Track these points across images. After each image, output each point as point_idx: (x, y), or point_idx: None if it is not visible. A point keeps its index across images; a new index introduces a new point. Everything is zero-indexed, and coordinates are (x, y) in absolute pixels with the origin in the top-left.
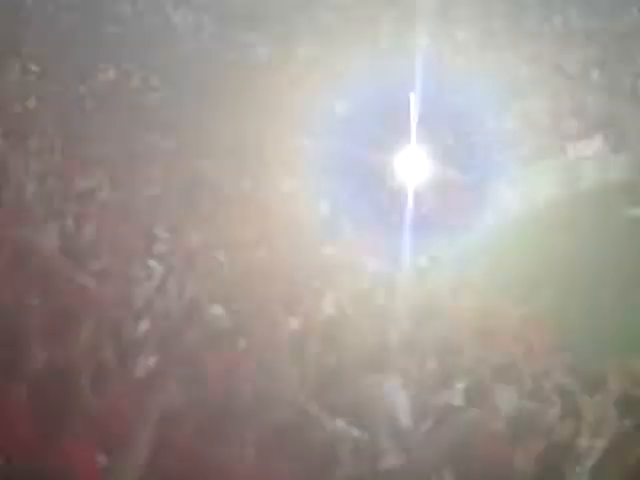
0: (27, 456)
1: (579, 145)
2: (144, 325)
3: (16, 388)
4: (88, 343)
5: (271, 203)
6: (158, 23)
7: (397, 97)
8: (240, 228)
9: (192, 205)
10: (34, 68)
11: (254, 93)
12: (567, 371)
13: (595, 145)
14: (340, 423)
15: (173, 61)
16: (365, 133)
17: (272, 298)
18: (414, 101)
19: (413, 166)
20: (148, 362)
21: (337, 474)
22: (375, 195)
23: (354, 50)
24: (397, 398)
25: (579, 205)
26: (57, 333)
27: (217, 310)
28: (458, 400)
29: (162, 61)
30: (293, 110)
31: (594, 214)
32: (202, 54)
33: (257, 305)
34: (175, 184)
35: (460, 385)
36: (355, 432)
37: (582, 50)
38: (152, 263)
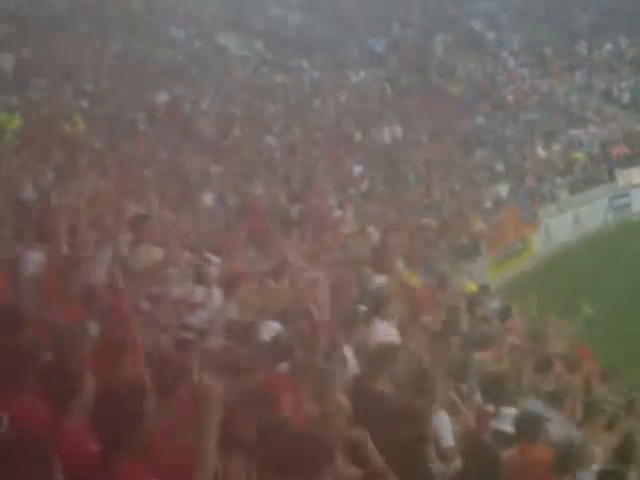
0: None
1: (629, 172)
2: (202, 346)
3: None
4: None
5: (322, 228)
6: (209, 48)
7: (445, 122)
8: (291, 252)
9: (242, 229)
10: (87, 92)
11: (306, 117)
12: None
13: None
14: None
15: (224, 85)
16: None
17: (327, 324)
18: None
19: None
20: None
21: None
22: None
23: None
24: (441, 423)
25: (631, 233)
26: (112, 359)
27: (276, 326)
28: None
29: (213, 85)
30: (345, 136)
31: None
32: (253, 78)
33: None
34: (225, 207)
35: (511, 411)
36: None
37: (632, 77)
38: (204, 286)
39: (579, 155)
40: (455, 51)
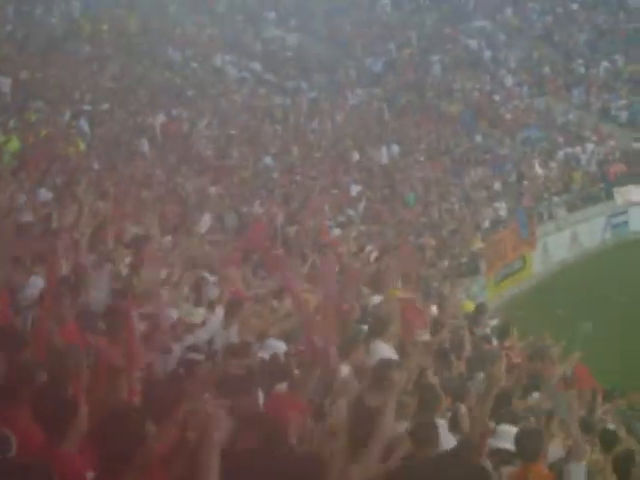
0: None
1: (627, 190)
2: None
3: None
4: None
5: (322, 248)
6: (207, 70)
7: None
8: (292, 273)
9: (240, 249)
10: (84, 113)
11: (302, 137)
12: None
13: None
14: None
15: (222, 106)
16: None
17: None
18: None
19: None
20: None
21: None
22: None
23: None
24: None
25: (629, 251)
26: (109, 380)
27: (281, 345)
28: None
29: (211, 107)
30: (343, 156)
31: None
32: (251, 99)
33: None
34: (224, 228)
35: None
36: None
37: (630, 96)
38: (203, 307)
39: (577, 174)
40: (452, 70)
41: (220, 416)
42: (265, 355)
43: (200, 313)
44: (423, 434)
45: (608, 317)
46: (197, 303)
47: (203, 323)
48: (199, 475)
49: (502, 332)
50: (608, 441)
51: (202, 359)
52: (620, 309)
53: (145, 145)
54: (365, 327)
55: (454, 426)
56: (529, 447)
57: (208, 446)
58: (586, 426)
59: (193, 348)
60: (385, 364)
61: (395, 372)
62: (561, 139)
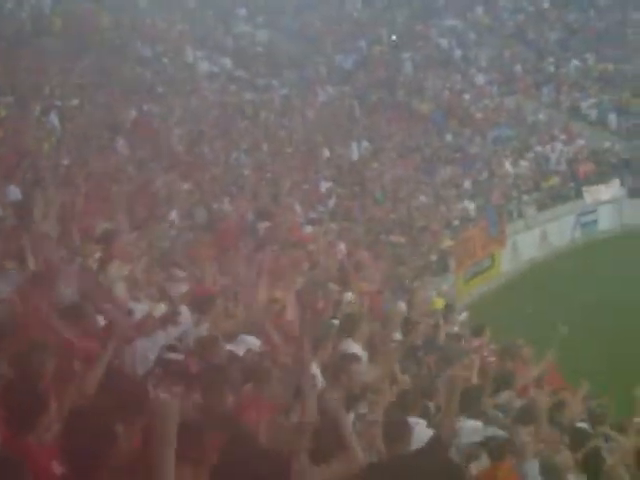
0: None
1: (596, 189)
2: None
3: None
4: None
5: (290, 244)
6: (178, 65)
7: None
8: (261, 269)
9: (210, 245)
10: (55, 109)
11: (273, 134)
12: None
13: (612, 189)
14: None
15: (192, 101)
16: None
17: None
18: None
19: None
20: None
21: None
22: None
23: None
24: (420, 433)
25: (598, 250)
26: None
27: (254, 341)
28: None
29: (181, 102)
30: (313, 153)
31: (613, 259)
32: (221, 95)
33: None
34: (193, 224)
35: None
36: None
37: (599, 94)
38: (171, 303)
39: (554, 180)
40: (423, 68)
41: (173, 406)
42: (237, 349)
43: (161, 308)
44: (394, 431)
45: (577, 315)
46: (162, 298)
47: (174, 319)
48: (152, 465)
49: (476, 331)
50: (577, 439)
51: (181, 359)
52: (589, 307)
53: (116, 140)
54: (335, 322)
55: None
56: (497, 446)
57: (159, 435)
58: (556, 425)
59: (171, 348)
60: (343, 357)
61: (353, 365)
62: (531, 138)
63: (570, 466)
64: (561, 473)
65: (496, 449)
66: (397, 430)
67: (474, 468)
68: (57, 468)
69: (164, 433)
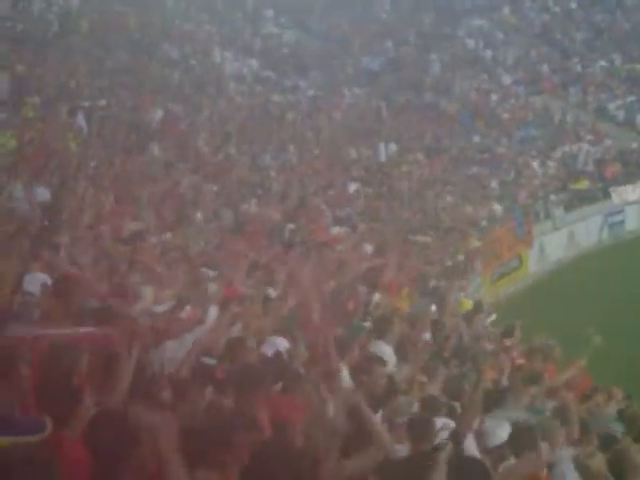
0: None
1: (624, 190)
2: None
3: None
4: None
5: (314, 246)
6: (206, 66)
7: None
8: (286, 270)
9: (239, 247)
10: (82, 109)
11: (300, 135)
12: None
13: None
14: None
15: (220, 103)
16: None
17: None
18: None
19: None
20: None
21: None
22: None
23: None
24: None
25: (625, 250)
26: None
27: (283, 342)
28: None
29: (208, 103)
30: (339, 154)
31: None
32: (249, 96)
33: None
34: (220, 226)
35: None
36: None
37: (626, 94)
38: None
39: (584, 182)
40: (450, 69)
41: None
42: (267, 351)
43: (187, 310)
44: (419, 430)
45: (604, 317)
46: (195, 299)
47: (202, 321)
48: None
49: (506, 331)
50: (606, 440)
51: (215, 364)
52: (616, 308)
53: (143, 141)
54: (365, 324)
55: None
56: (523, 444)
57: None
58: (585, 427)
59: (206, 353)
60: (367, 359)
61: (376, 367)
62: (558, 138)
63: (604, 471)
64: (596, 478)
65: (522, 446)
66: (422, 429)
67: (502, 468)
68: (90, 458)
69: (161, 454)
